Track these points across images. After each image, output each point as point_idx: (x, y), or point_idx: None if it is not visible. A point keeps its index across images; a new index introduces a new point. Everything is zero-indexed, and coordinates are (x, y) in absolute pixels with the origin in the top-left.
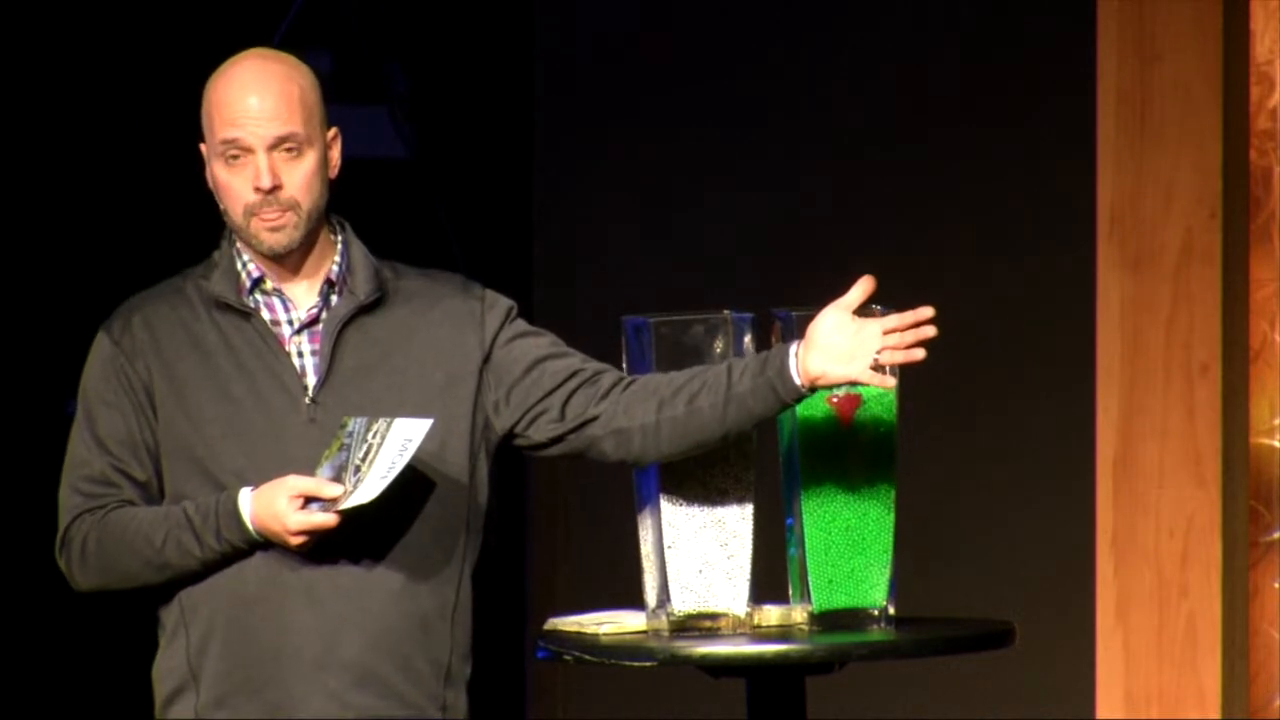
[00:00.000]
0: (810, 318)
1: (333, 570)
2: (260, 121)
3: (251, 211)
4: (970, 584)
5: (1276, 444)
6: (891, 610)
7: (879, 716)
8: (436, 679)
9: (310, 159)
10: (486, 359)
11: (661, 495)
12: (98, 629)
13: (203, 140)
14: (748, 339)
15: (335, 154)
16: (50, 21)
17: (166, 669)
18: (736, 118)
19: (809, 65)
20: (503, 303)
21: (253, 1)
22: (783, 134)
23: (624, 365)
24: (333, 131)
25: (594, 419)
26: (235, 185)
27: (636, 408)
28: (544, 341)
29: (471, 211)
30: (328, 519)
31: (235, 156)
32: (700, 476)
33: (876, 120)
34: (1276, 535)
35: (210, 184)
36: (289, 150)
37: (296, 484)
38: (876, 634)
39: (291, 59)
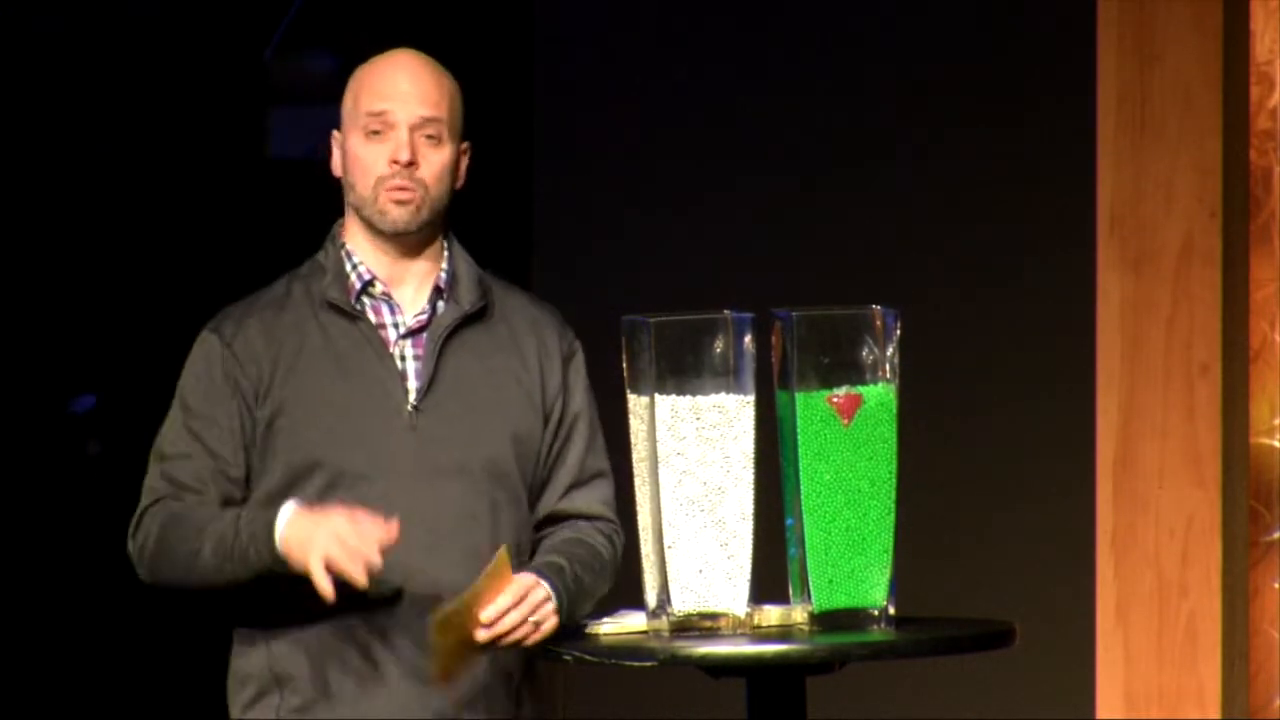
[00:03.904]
0: (810, 318)
1: (433, 588)
2: (410, 101)
3: (382, 183)
4: (970, 584)
5: (1276, 444)
6: (891, 610)
7: (879, 716)
8: (509, 696)
9: (447, 152)
10: (561, 408)
11: (661, 495)
12: (97, 630)
13: (336, 127)
14: (748, 339)
15: (464, 165)
16: (49, 20)
17: (245, 672)
18: (737, 118)
19: (809, 65)
20: (581, 354)
21: (253, 1)
22: (783, 134)
23: (624, 365)
24: (465, 144)
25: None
26: (370, 157)
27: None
28: (584, 424)
29: (471, 212)
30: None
31: (377, 131)
32: (700, 476)
33: (876, 120)
34: (1276, 535)
35: (337, 166)
36: (430, 137)
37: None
38: (876, 634)
39: (443, 67)
